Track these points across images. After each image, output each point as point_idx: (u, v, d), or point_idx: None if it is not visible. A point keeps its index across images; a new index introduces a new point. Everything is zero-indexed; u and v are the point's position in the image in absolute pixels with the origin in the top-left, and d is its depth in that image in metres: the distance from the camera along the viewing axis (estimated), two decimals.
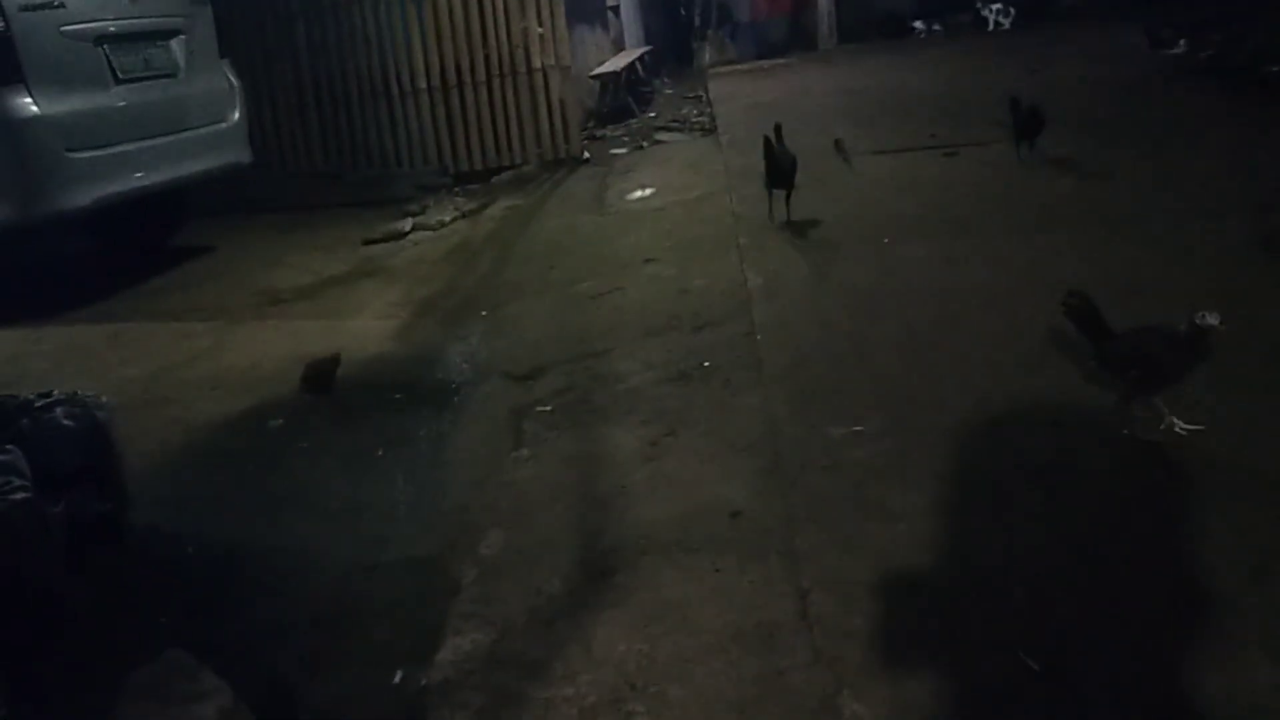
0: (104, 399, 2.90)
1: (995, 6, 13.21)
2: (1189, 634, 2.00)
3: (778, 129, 5.18)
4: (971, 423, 2.91)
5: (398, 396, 3.92)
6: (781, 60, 13.06)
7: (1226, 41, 8.33)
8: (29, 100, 5.07)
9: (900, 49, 11.95)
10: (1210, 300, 2.58)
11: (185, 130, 6.04)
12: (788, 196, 5.23)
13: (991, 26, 13.15)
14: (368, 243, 6.55)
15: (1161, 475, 2.55)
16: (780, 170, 5.12)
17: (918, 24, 13.52)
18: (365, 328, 4.83)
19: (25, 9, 5.07)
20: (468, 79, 7.91)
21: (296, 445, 3.59)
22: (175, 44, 6.07)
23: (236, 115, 6.48)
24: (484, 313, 4.81)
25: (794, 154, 5.16)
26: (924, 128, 6.99)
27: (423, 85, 7.97)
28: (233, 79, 6.52)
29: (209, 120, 6.26)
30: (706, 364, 3.65)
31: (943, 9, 13.67)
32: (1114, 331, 2.73)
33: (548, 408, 3.56)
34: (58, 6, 5.23)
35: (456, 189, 7.82)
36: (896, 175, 5.97)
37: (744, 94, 9.95)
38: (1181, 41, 8.56)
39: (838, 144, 6.49)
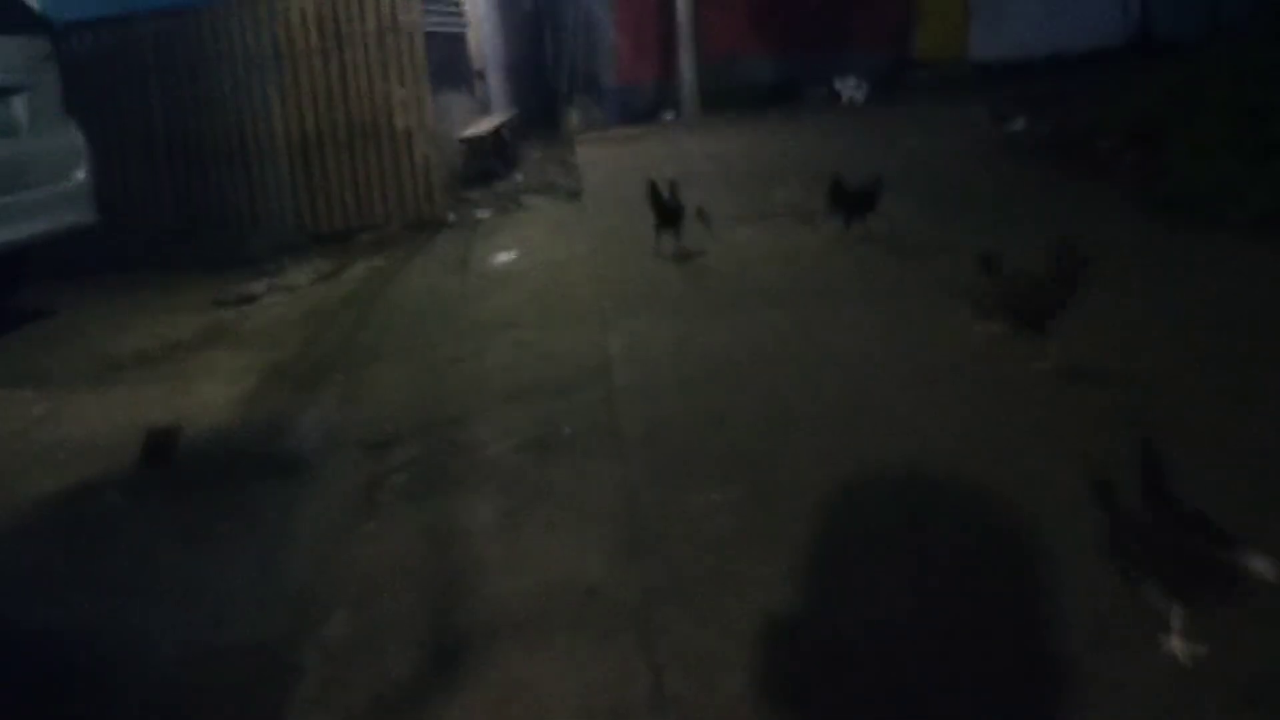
0: None
1: (850, 82, 13.73)
2: (1039, 696, 2.03)
3: (672, 184, 5.81)
4: (827, 490, 2.93)
5: (243, 468, 3.74)
6: (646, 126, 13.28)
7: (1063, 117, 8.85)
8: None
9: (761, 119, 12.29)
10: None
11: (26, 189, 5.76)
12: (677, 231, 5.79)
13: (845, 100, 13.65)
14: (219, 305, 6.32)
15: (1012, 544, 2.61)
16: (667, 210, 5.74)
17: (782, 95, 13.95)
18: (212, 394, 4.62)
19: None
20: (328, 140, 7.78)
21: (133, 521, 3.39)
22: (17, 101, 5.81)
23: (81, 175, 6.21)
24: (339, 378, 4.66)
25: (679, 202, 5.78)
26: (784, 196, 7.16)
27: (281, 145, 7.80)
28: (79, 137, 6.26)
29: (52, 179, 5.98)
30: (566, 431, 3.60)
31: (800, 82, 14.15)
32: None
33: (402, 478, 3.44)
34: None
35: (315, 250, 7.63)
36: (756, 243, 6.09)
37: (609, 159, 10.05)
38: (1021, 119, 9.03)
39: (699, 211, 6.58)
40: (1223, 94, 6.70)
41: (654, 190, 5.77)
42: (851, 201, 5.73)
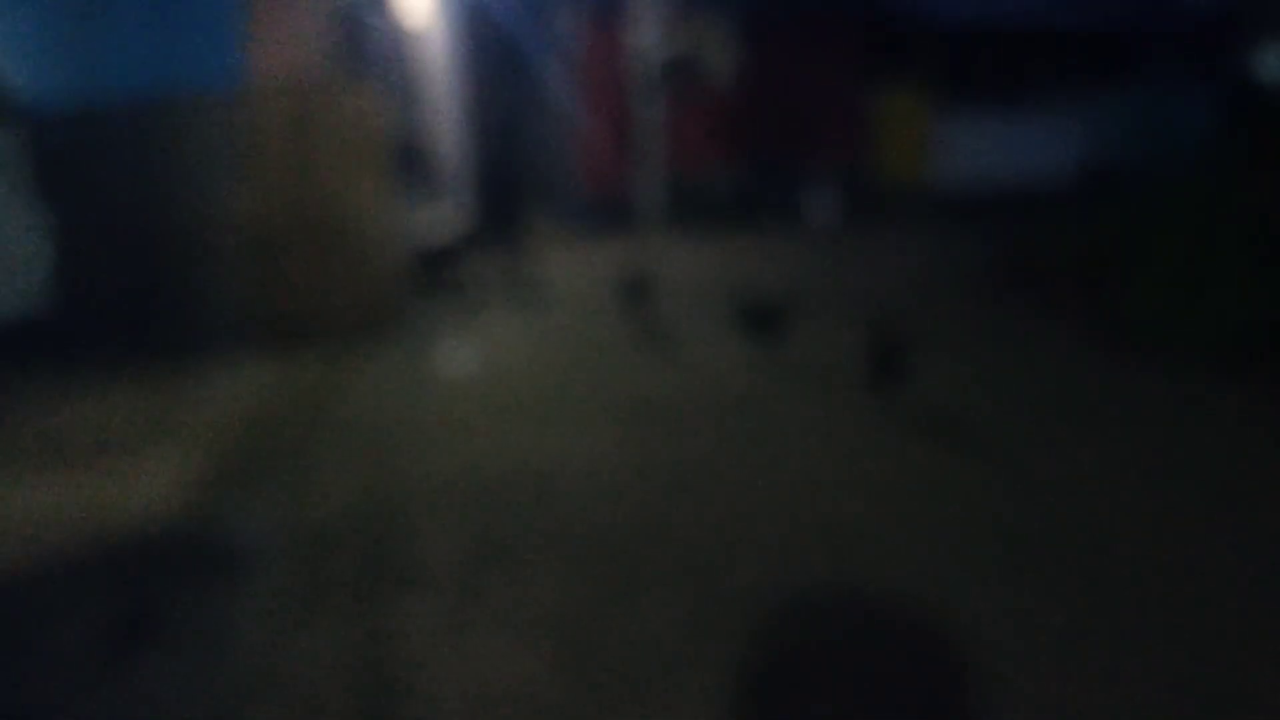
0: None
1: (819, 200, 13.91)
2: None
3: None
4: (769, 601, 2.95)
5: (181, 561, 3.69)
6: (608, 238, 13.52)
7: (1018, 249, 9.13)
8: None
9: (724, 235, 12.54)
10: None
11: None
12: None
13: (811, 222, 13.87)
14: (168, 400, 6.27)
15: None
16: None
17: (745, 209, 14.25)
18: (155, 486, 4.57)
19: None
20: (291, 240, 7.84)
21: (65, 612, 3.31)
22: None
23: (40, 264, 6.25)
24: (285, 477, 4.63)
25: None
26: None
27: (242, 242, 7.84)
28: (39, 227, 6.29)
29: (9, 268, 5.98)
30: (509, 538, 3.60)
31: (762, 197, 14.50)
32: None
33: (341, 579, 3.41)
34: None
35: (272, 349, 7.62)
36: (715, 355, 6.17)
37: (569, 269, 10.21)
38: (976, 248, 9.31)
39: (654, 323, 6.68)
40: (1172, 231, 6.95)
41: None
42: (759, 321, 5.83)
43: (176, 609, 3.28)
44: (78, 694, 2.80)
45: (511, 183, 15.36)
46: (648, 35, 13.24)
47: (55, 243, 6.36)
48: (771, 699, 2.51)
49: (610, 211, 14.48)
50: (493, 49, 15.66)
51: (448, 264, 10.31)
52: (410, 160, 9.82)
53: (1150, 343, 5.74)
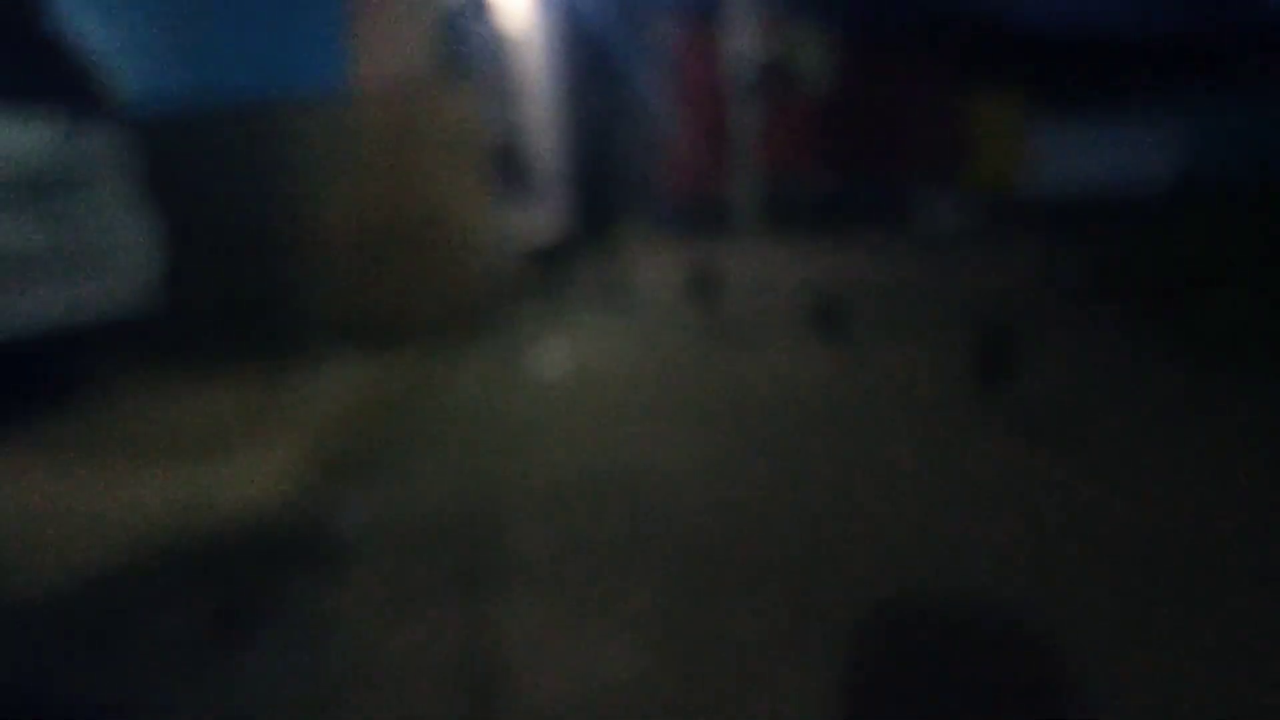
0: None
1: (937, 207, 13.64)
2: None
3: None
4: (866, 608, 2.91)
5: (277, 555, 3.77)
6: (700, 242, 13.52)
7: (1116, 258, 8.89)
8: None
9: (815, 242, 12.45)
10: None
11: (96, 276, 5.96)
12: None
13: (924, 226, 13.54)
14: (273, 393, 6.43)
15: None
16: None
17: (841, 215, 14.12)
18: (253, 481, 4.67)
19: None
20: (391, 240, 7.99)
21: (171, 600, 3.41)
22: (92, 191, 6.05)
23: (152, 263, 6.42)
24: (385, 471, 4.71)
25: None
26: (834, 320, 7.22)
27: (340, 243, 8.02)
28: (150, 226, 6.48)
29: (123, 267, 6.19)
30: (602, 539, 3.60)
31: (858, 203, 14.36)
32: None
33: (434, 576, 3.45)
34: None
35: (371, 346, 7.77)
36: (812, 363, 6.12)
37: (662, 270, 10.22)
38: (1075, 259, 9.08)
39: (745, 327, 6.65)
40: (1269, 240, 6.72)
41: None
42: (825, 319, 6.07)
43: (281, 601, 3.35)
44: (182, 684, 2.87)
45: (607, 185, 15.47)
46: (744, 39, 13.23)
47: (163, 242, 6.56)
48: (871, 700, 2.47)
49: (704, 214, 14.49)
50: (589, 52, 15.79)
51: (544, 265, 10.41)
52: (508, 162, 9.93)
53: (1239, 356, 5.54)
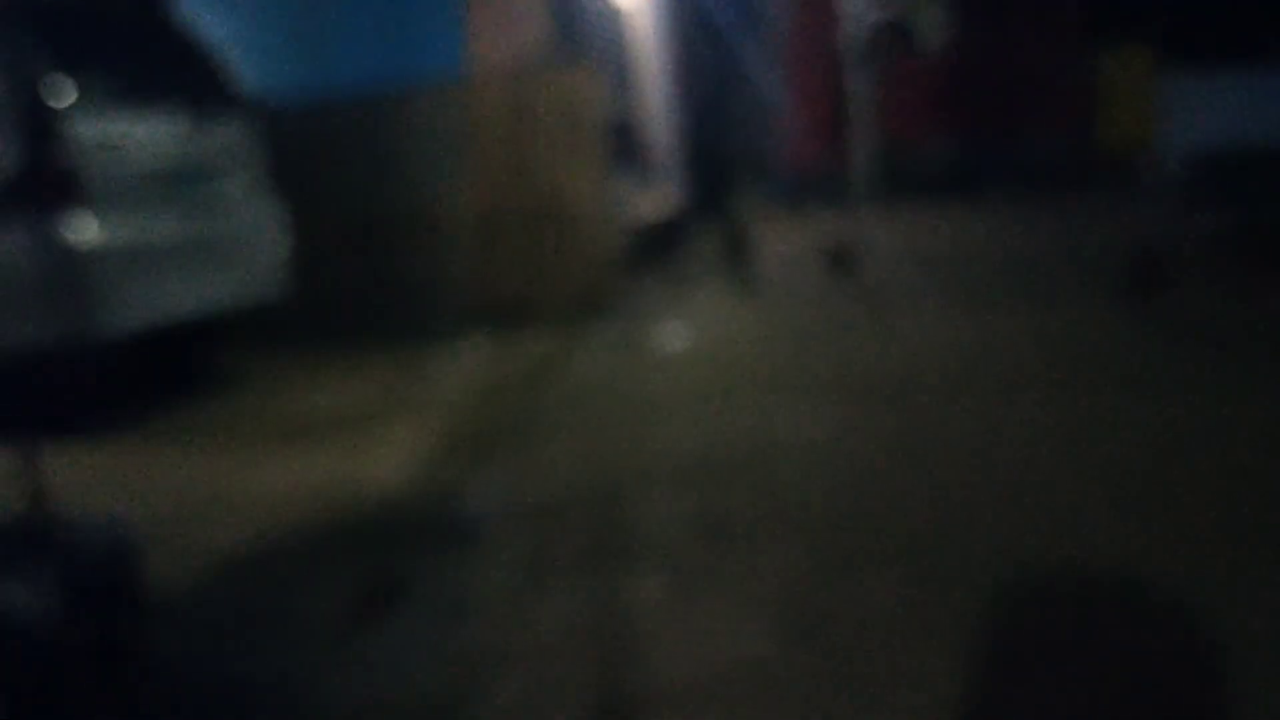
0: (131, 522, 2.90)
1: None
2: None
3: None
4: (1000, 586, 2.85)
5: (416, 533, 3.89)
6: (819, 213, 13.31)
7: (1262, 219, 8.42)
8: (89, 229, 5.27)
9: (939, 207, 12.14)
10: None
11: (227, 265, 6.22)
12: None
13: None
14: (401, 374, 6.62)
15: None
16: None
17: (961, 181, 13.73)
18: (388, 460, 4.83)
19: (95, 146, 5.34)
20: (509, 222, 8.11)
21: (316, 578, 3.56)
22: (222, 181, 6.29)
23: (279, 250, 6.66)
24: (514, 449, 4.81)
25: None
26: (953, 291, 7.03)
27: (464, 225, 8.17)
28: (277, 215, 6.72)
29: (251, 255, 6.44)
30: (732, 513, 3.61)
31: (980, 169, 13.93)
32: None
33: (570, 551, 3.51)
34: (119, 146, 5.49)
35: (493, 327, 7.92)
36: (931, 336, 6.00)
37: (779, 243, 10.12)
38: (1218, 218, 8.62)
39: (872, 300, 6.54)
40: None
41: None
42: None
43: (416, 580, 3.46)
44: (320, 663, 2.99)
45: (723, 159, 15.36)
46: (855, 4, 12.95)
47: (292, 231, 6.79)
48: (1000, 677, 2.43)
49: (823, 186, 14.26)
50: (701, 23, 15.67)
51: (663, 242, 10.43)
52: (625, 140, 9.96)
53: None
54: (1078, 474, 3.67)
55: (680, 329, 7.10)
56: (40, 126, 5.27)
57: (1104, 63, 14.85)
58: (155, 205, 5.75)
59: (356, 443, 5.27)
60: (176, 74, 6.34)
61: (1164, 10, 14.64)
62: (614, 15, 10.62)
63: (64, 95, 5.30)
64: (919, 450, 4.07)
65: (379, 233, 8.36)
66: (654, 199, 11.86)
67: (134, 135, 5.66)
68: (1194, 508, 3.30)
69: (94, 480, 4.70)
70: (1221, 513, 3.25)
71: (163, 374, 6.93)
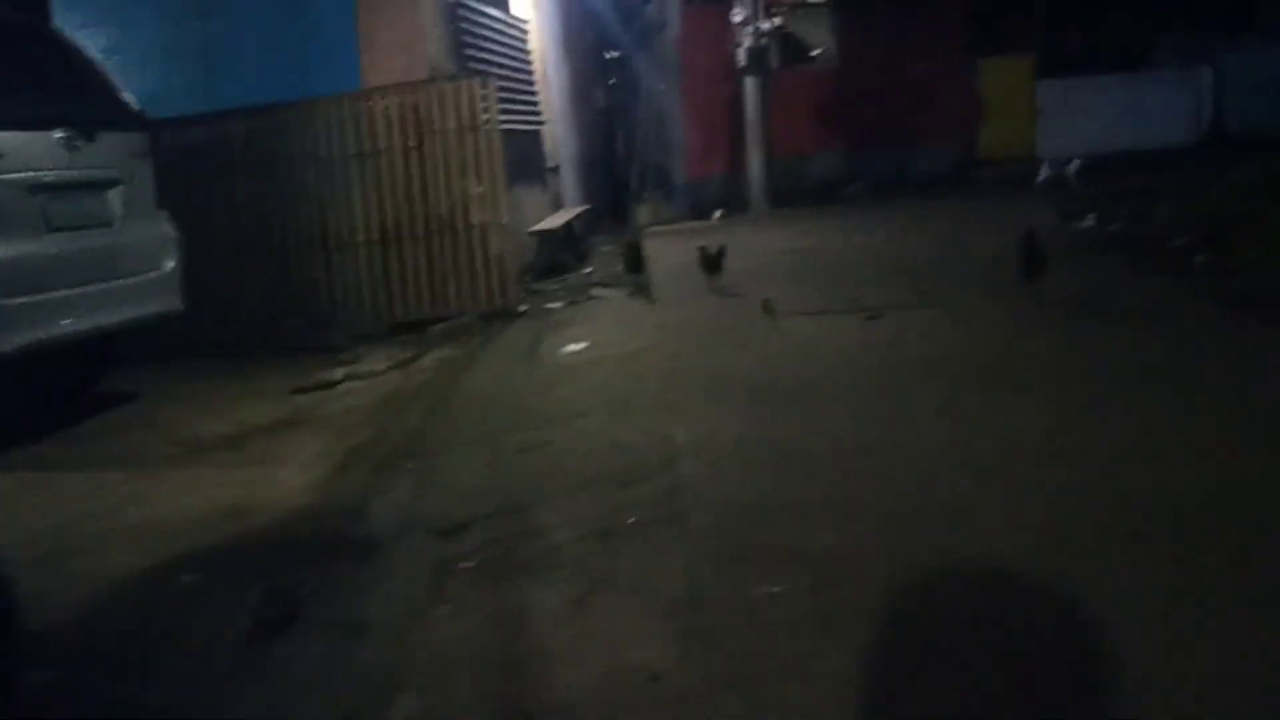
0: (4, 552, 2.81)
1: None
2: None
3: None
4: (894, 584, 2.93)
5: (318, 550, 3.84)
6: (715, 221, 13.48)
7: (1133, 215, 8.83)
8: None
9: (829, 213, 12.42)
10: None
11: (117, 278, 6.06)
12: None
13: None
14: (297, 391, 6.51)
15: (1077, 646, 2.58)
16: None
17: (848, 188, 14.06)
18: (288, 478, 4.76)
19: None
20: (407, 233, 8.05)
21: (209, 602, 3.49)
22: (112, 194, 6.14)
23: (171, 264, 6.50)
24: (411, 464, 4.77)
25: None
26: (848, 290, 7.20)
27: (361, 239, 8.08)
28: (170, 229, 6.56)
29: (143, 269, 6.28)
30: (632, 520, 3.64)
31: (868, 176, 14.32)
32: None
33: (471, 563, 3.51)
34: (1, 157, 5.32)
35: (392, 339, 7.85)
36: (823, 336, 6.14)
37: (678, 253, 10.20)
38: (1090, 216, 9.02)
39: (766, 304, 6.69)
40: None
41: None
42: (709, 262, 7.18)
43: (312, 600, 3.41)
44: (214, 687, 2.94)
45: (621, 167, 15.45)
46: (744, 15, 13.14)
47: (185, 246, 6.63)
48: (903, 676, 2.51)
49: (715, 192, 14.43)
50: (599, 38, 15.76)
51: (561, 248, 10.44)
52: (522, 150, 9.96)
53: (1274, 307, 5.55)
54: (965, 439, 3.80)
55: (574, 331, 7.13)
56: None
57: (987, 72, 15.38)
58: (40, 219, 5.56)
59: (250, 461, 5.17)
60: (64, 88, 6.15)
61: (1041, 23, 15.21)
62: (514, 29, 10.62)
63: None
64: (805, 443, 4.16)
65: (276, 245, 8.21)
66: (556, 207, 11.89)
67: (16, 148, 5.46)
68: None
69: None
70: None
71: (49, 392, 6.69)
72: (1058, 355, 5.33)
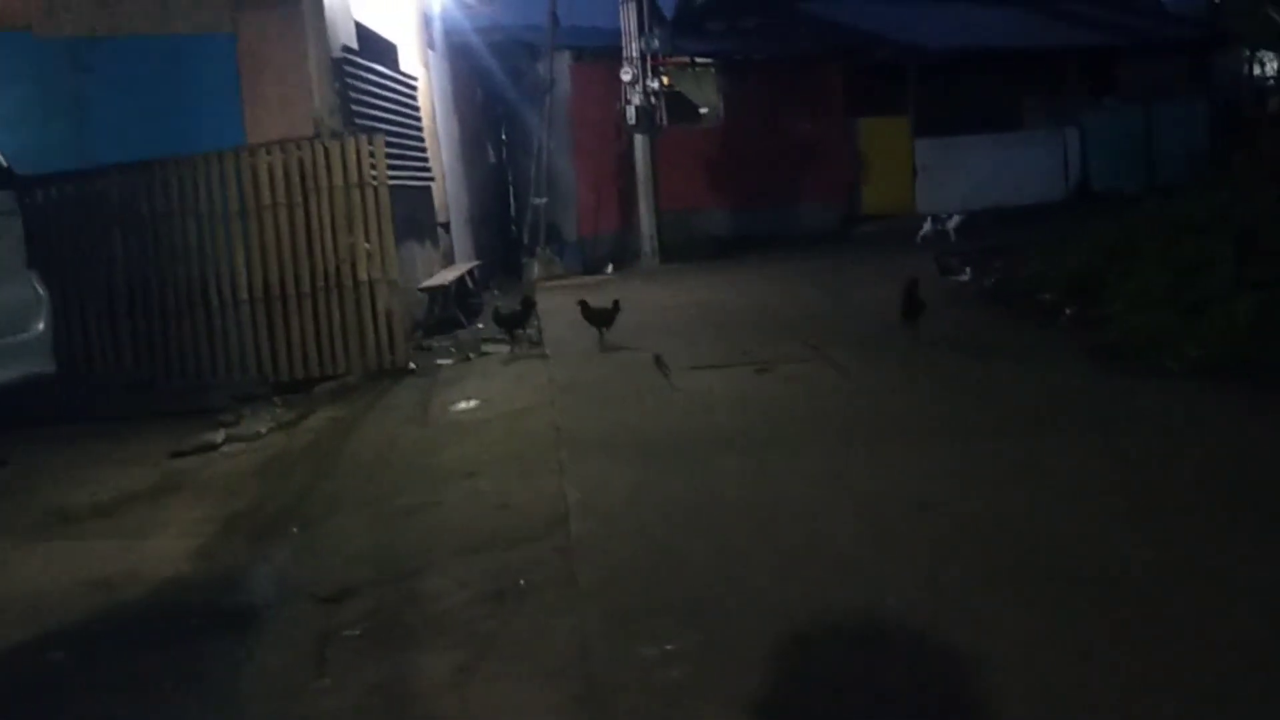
0: None
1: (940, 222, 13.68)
2: None
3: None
4: (782, 639, 2.95)
5: (194, 623, 3.69)
6: (606, 276, 13.59)
7: (1006, 269, 9.21)
8: None
9: (718, 268, 12.63)
10: None
11: None
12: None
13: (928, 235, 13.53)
14: (176, 455, 6.28)
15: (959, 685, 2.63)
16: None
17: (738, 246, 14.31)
18: (166, 547, 4.57)
19: None
20: (291, 291, 7.87)
21: (78, 680, 3.31)
22: None
23: (41, 325, 6.25)
24: (294, 529, 4.63)
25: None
26: (738, 344, 7.33)
27: (244, 297, 7.87)
28: (39, 289, 6.32)
29: (10, 330, 6.02)
30: (522, 582, 3.60)
31: (756, 234, 14.63)
32: None
33: (355, 632, 3.41)
34: None
35: (276, 400, 7.63)
36: (713, 390, 6.21)
37: (569, 308, 10.22)
38: (967, 269, 9.36)
39: (658, 359, 6.74)
40: (1156, 249, 7.06)
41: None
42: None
43: (196, 669, 3.28)
44: None
45: (513, 223, 15.44)
46: (633, 74, 13.38)
47: (62, 304, 6.40)
48: None
49: (607, 248, 14.55)
50: (488, 92, 15.81)
51: (452, 304, 10.35)
52: (411, 206, 9.89)
53: (1138, 359, 5.82)
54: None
55: (470, 391, 7.05)
56: None
57: (869, 133, 15.94)
58: None
59: (125, 530, 4.96)
60: None
61: (915, 85, 15.83)
62: (403, 86, 10.58)
63: None
64: (696, 498, 4.19)
65: (154, 305, 7.94)
66: (447, 263, 11.81)
67: None
68: None
69: None
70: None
71: None
72: (937, 406, 5.50)
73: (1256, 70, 18.59)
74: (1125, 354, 5.94)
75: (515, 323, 7.58)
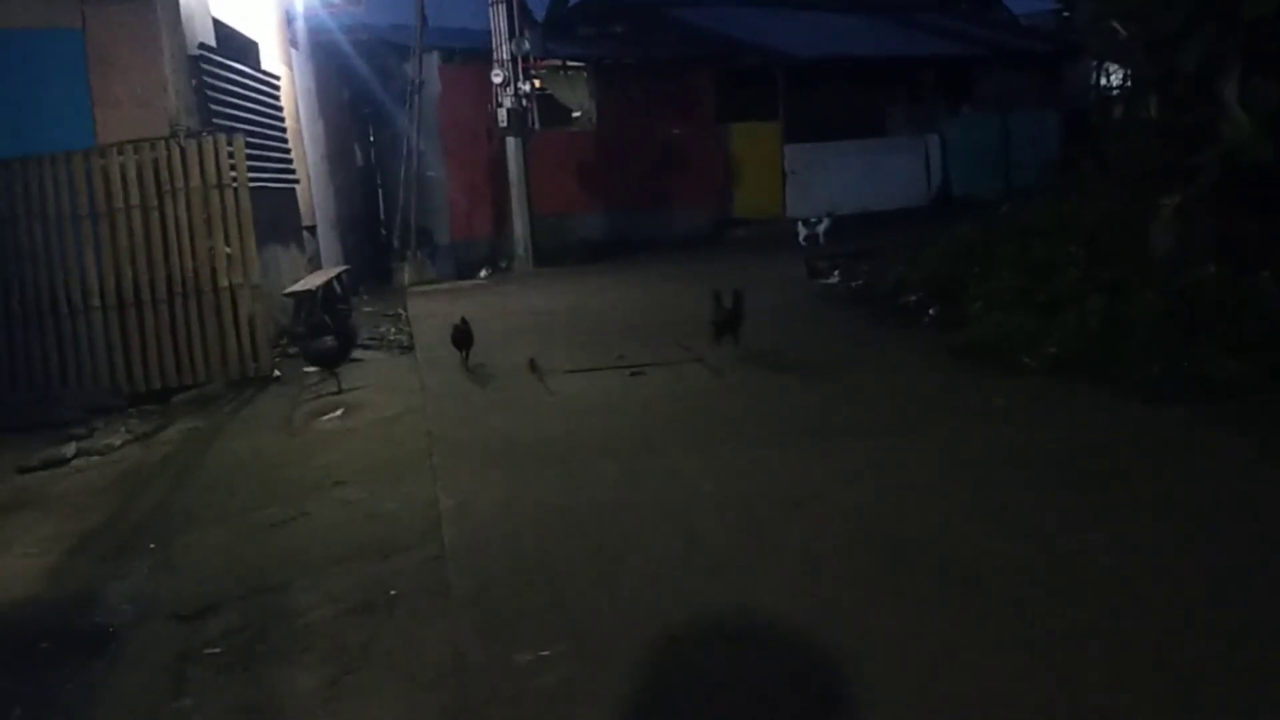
0: None
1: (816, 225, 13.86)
2: None
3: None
4: (656, 641, 2.96)
5: (43, 646, 3.49)
6: (480, 280, 13.46)
7: (873, 272, 9.46)
8: None
9: (593, 272, 12.64)
10: None
11: None
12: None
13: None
14: (22, 471, 5.94)
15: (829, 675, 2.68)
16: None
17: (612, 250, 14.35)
18: (12, 566, 4.33)
19: None
20: (147, 297, 7.54)
21: None
22: None
23: None
24: (152, 545, 4.43)
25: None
26: (612, 348, 7.33)
27: (95, 303, 7.51)
28: None
29: None
30: (393, 592, 3.53)
31: (629, 238, 14.69)
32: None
33: (217, 649, 3.28)
34: None
35: (132, 411, 7.30)
36: (587, 394, 6.20)
37: (442, 313, 10.08)
38: (835, 272, 9.60)
39: (531, 363, 6.70)
40: (1010, 252, 7.36)
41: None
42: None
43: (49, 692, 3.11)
44: None
45: (383, 227, 15.13)
46: (504, 76, 13.29)
47: None
48: None
49: (480, 252, 14.42)
50: (354, 92, 15.49)
51: (319, 310, 10.08)
52: (275, 209, 9.60)
53: (996, 357, 6.05)
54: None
55: (339, 400, 6.88)
56: None
57: (737, 140, 16.18)
58: None
59: None
60: None
61: (787, 93, 16.16)
62: (265, 85, 10.26)
63: None
64: (570, 502, 4.17)
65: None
66: (313, 268, 11.49)
67: None
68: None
69: None
70: None
71: None
72: (807, 406, 5.61)
73: (1104, 81, 19.53)
74: (984, 353, 6.16)
75: (333, 359, 7.17)
